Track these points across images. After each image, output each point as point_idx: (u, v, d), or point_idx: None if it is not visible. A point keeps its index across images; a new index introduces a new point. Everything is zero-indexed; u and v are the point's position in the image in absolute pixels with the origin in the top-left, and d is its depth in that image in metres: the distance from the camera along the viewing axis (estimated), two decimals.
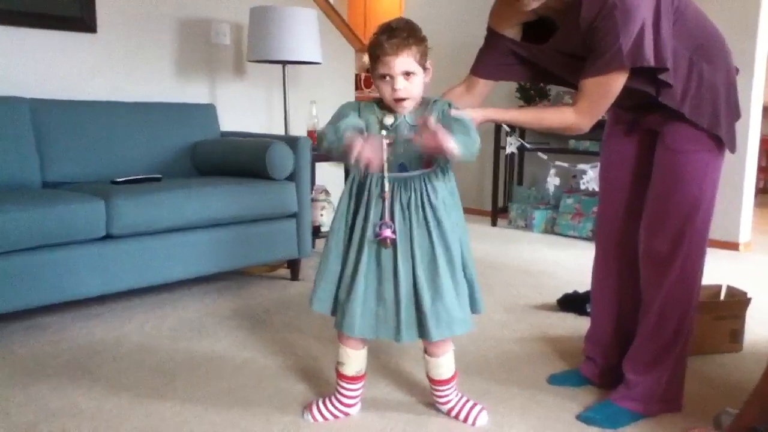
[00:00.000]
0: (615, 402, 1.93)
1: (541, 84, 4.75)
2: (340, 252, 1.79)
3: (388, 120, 1.73)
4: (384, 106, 1.74)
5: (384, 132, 1.72)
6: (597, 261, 2.12)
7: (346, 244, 1.78)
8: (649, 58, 1.64)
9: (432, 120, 1.59)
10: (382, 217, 1.71)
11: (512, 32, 1.88)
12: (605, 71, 1.67)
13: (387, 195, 1.70)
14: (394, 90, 1.66)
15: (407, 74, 1.66)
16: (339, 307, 1.79)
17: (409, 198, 1.71)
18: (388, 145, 1.70)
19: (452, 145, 1.56)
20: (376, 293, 1.74)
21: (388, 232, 1.69)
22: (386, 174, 1.70)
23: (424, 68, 1.70)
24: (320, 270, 1.82)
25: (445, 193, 1.75)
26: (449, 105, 1.74)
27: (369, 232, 1.72)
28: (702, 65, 1.75)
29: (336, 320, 1.80)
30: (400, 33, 1.64)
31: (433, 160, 1.72)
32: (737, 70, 1.87)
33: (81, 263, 2.55)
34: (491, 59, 1.94)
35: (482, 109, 1.80)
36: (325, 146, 1.71)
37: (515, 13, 1.82)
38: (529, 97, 4.89)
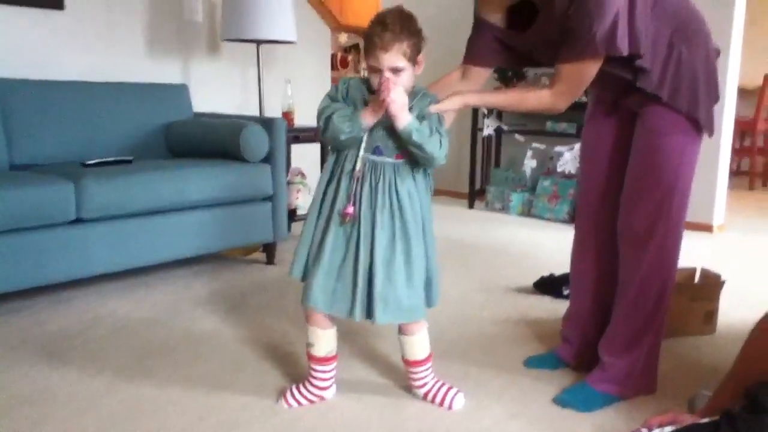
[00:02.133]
0: (590, 384, 1.94)
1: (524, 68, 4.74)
2: (312, 225, 1.83)
3: (373, 99, 1.73)
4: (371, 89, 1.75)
5: None
6: (576, 241, 2.12)
7: (317, 217, 1.82)
8: (622, 47, 1.64)
9: (396, 88, 1.65)
10: (349, 195, 1.74)
11: (497, 18, 1.87)
12: (579, 58, 1.68)
13: (358, 174, 1.75)
14: (379, 82, 1.68)
15: (395, 70, 1.67)
16: (306, 279, 1.81)
17: (378, 182, 1.75)
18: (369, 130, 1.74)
19: (401, 113, 1.65)
20: (338, 269, 1.77)
21: (350, 209, 1.74)
22: (362, 153, 1.75)
23: (415, 62, 1.71)
24: (299, 239, 1.86)
25: (411, 185, 1.78)
26: (431, 101, 1.76)
27: (337, 207, 1.76)
28: (681, 48, 1.74)
29: (302, 293, 1.81)
30: (393, 28, 1.65)
31: (405, 152, 1.74)
32: (718, 52, 1.87)
33: (51, 247, 2.50)
34: (481, 47, 1.93)
35: (461, 95, 1.80)
36: (343, 138, 1.73)
37: None
38: (507, 78, 4.87)
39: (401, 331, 1.87)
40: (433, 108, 1.74)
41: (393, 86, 1.65)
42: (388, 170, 1.75)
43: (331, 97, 1.81)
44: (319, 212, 1.81)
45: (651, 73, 1.73)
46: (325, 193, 1.81)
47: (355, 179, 1.75)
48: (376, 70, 1.69)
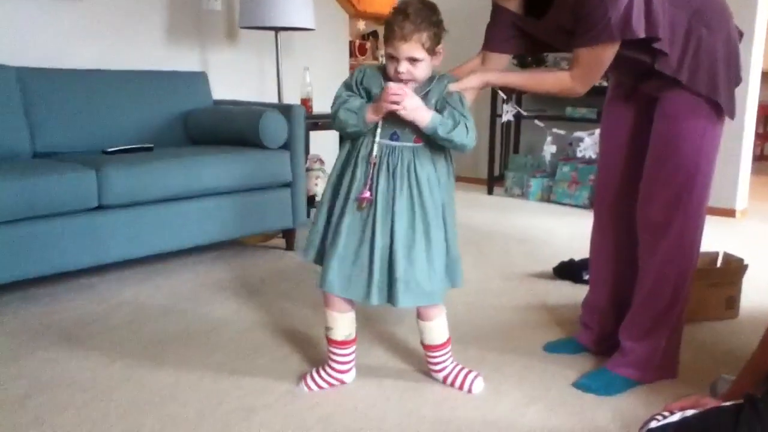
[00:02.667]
0: (611, 369, 1.93)
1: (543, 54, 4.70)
2: (326, 209, 1.84)
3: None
4: (388, 76, 1.75)
5: None
6: (595, 227, 2.10)
7: (332, 202, 1.82)
8: (638, 31, 1.62)
9: (407, 95, 1.64)
10: (366, 180, 1.74)
11: (514, 5, 1.86)
12: (595, 43, 1.66)
13: (374, 160, 1.74)
14: (397, 72, 1.68)
15: (413, 60, 1.67)
16: (323, 263, 1.82)
17: (396, 166, 1.74)
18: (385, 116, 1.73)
19: (418, 114, 1.65)
20: (354, 253, 1.76)
21: (366, 194, 1.74)
22: (377, 139, 1.75)
23: (434, 53, 1.70)
24: (313, 223, 1.87)
25: (431, 170, 1.77)
26: (449, 82, 1.74)
27: (353, 193, 1.76)
28: (701, 30, 1.71)
29: (319, 277, 1.82)
30: (414, 18, 1.64)
31: (423, 136, 1.74)
32: (741, 34, 1.83)
33: (73, 234, 2.53)
34: (499, 34, 1.93)
35: (482, 72, 1.79)
36: (350, 131, 1.77)
37: None
38: (526, 63, 4.83)
39: (420, 316, 1.87)
40: (453, 86, 1.73)
41: (401, 94, 1.63)
42: (406, 154, 1.74)
43: (347, 85, 1.81)
44: (335, 197, 1.81)
45: (669, 56, 1.70)
46: (341, 178, 1.81)
47: (371, 164, 1.74)
48: (394, 58, 1.68)
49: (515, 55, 2.00)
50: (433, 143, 1.75)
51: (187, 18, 3.79)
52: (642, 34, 1.63)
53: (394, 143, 1.75)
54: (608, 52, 1.68)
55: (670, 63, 1.72)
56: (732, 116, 1.80)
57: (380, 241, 1.73)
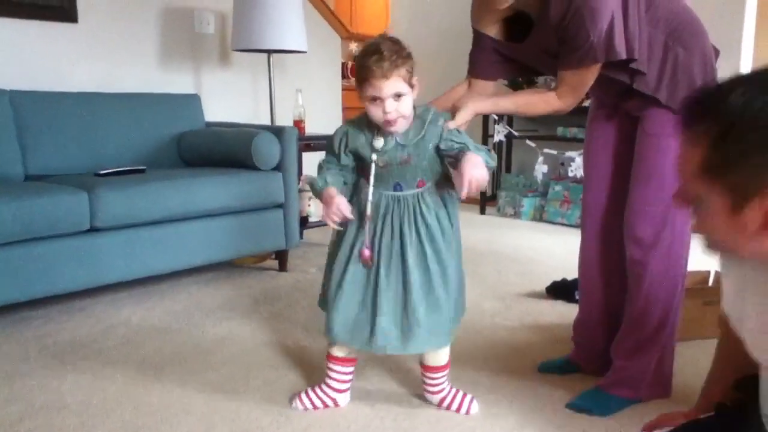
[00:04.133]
0: (604, 389, 1.93)
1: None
2: (332, 258, 1.86)
3: (378, 143, 1.73)
4: (374, 125, 1.73)
5: (375, 156, 1.73)
6: (583, 246, 2.11)
7: (339, 250, 1.83)
8: (621, 52, 1.66)
9: (468, 181, 1.60)
10: (366, 236, 1.76)
11: (493, 30, 1.88)
12: (579, 66, 1.70)
13: (369, 217, 1.76)
14: (385, 112, 1.65)
15: (397, 96, 1.65)
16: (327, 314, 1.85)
17: (402, 216, 1.76)
18: (381, 167, 1.73)
19: (485, 170, 1.64)
20: (359, 304, 1.79)
21: (366, 253, 1.76)
22: (370, 198, 1.76)
23: (412, 85, 1.69)
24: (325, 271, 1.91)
25: (438, 207, 1.79)
26: (445, 120, 1.75)
27: (356, 250, 1.78)
28: (677, 49, 1.75)
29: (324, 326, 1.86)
30: (389, 55, 1.62)
31: (425, 179, 1.77)
32: (717, 52, 1.86)
33: (66, 256, 2.53)
34: (482, 60, 1.94)
35: (472, 103, 1.78)
36: (315, 193, 1.79)
37: (492, 10, 1.82)
38: (517, 84, 4.86)
39: None
40: (451, 125, 1.73)
41: (475, 180, 1.60)
42: (411, 200, 1.76)
43: (329, 148, 1.81)
44: (340, 247, 1.82)
45: (648, 75, 1.74)
46: (347, 229, 1.81)
47: (366, 221, 1.76)
48: (377, 99, 1.64)
49: (502, 79, 2.03)
50: (439, 180, 1.77)
51: (181, 41, 3.82)
52: (624, 55, 1.67)
53: (398, 194, 1.76)
54: (592, 72, 1.71)
55: (648, 82, 1.75)
56: None
57: (391, 291, 1.75)
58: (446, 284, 1.78)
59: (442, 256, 1.77)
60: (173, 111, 3.51)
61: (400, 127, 1.69)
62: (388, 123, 1.66)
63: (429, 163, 1.76)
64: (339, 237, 1.83)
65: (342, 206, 1.68)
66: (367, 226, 1.76)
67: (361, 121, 1.76)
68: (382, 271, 1.75)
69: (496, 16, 1.85)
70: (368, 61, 1.62)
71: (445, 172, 1.79)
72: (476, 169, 1.61)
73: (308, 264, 3.50)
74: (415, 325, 1.74)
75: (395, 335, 1.76)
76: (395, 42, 1.67)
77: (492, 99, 1.86)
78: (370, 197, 1.76)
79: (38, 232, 2.44)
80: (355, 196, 1.81)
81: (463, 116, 1.76)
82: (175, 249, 2.87)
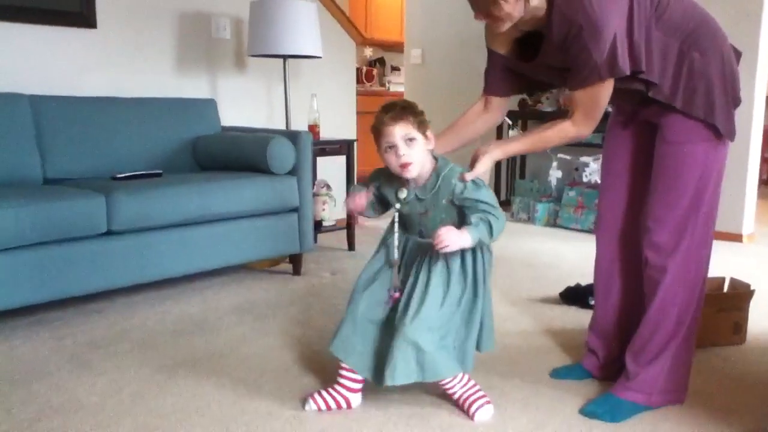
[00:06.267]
0: (616, 394, 1.92)
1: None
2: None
3: (402, 194, 1.86)
4: (401, 178, 1.84)
5: (398, 205, 1.88)
6: (599, 252, 2.11)
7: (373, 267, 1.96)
8: (625, 68, 1.67)
9: (440, 235, 1.70)
10: (393, 281, 1.89)
11: (505, 48, 1.90)
12: (585, 85, 1.71)
13: (396, 262, 1.89)
14: (398, 156, 1.75)
15: (409, 140, 1.75)
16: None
17: (422, 260, 1.86)
18: (405, 215, 1.89)
19: (461, 243, 1.71)
20: (369, 323, 1.90)
21: (396, 296, 1.88)
22: (396, 243, 1.90)
23: (426, 136, 1.78)
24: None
25: (467, 252, 1.83)
26: (459, 174, 1.80)
27: (375, 283, 1.91)
28: (693, 55, 1.74)
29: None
30: (397, 107, 1.76)
31: (447, 220, 1.82)
32: (739, 54, 1.85)
33: (82, 259, 2.56)
34: (496, 78, 1.97)
35: (488, 154, 1.81)
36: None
37: (499, 31, 1.83)
38: (532, 90, 4.86)
39: None
40: (468, 176, 1.77)
41: (440, 238, 1.69)
42: (432, 249, 1.79)
43: (363, 182, 1.96)
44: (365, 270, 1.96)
45: (662, 83, 1.74)
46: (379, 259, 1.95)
47: (395, 267, 1.89)
48: (392, 147, 1.75)
49: (517, 94, 2.05)
50: (461, 219, 1.81)
51: (197, 46, 3.85)
52: (628, 71, 1.67)
53: (422, 240, 1.87)
54: (604, 90, 1.71)
55: (663, 90, 1.75)
56: (731, 138, 1.81)
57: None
58: (472, 315, 1.86)
59: (477, 281, 1.85)
60: (189, 116, 3.54)
61: (414, 172, 1.78)
62: (403, 168, 1.76)
63: (447, 215, 1.83)
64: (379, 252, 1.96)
65: (357, 198, 1.88)
66: (395, 271, 1.89)
67: (392, 173, 1.85)
68: (399, 308, 1.85)
69: (507, 38, 1.86)
70: (380, 115, 1.77)
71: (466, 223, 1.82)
72: (450, 235, 1.70)
73: (322, 268, 3.51)
74: (392, 356, 1.79)
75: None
76: (406, 102, 1.81)
77: (506, 143, 1.90)
78: (396, 242, 1.89)
79: (56, 235, 2.47)
80: (388, 239, 1.94)
81: (481, 168, 1.79)
82: (191, 252, 2.89)
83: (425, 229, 1.86)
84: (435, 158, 1.84)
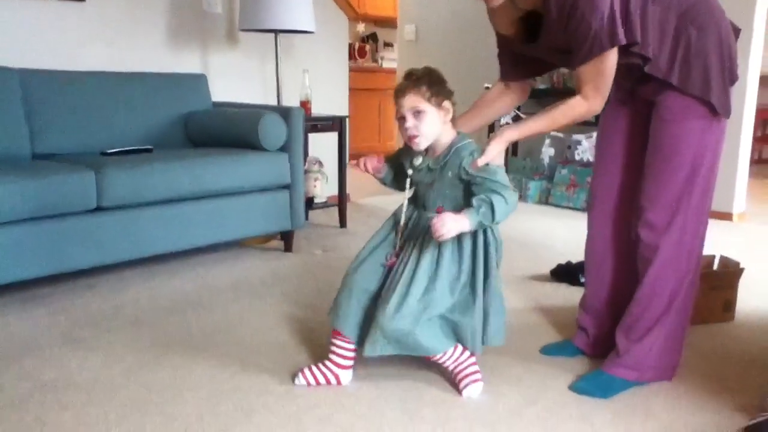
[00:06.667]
0: (607, 371, 1.94)
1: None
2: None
3: (417, 160, 1.85)
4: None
5: (410, 171, 1.87)
6: (591, 230, 2.11)
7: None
8: (622, 38, 1.66)
9: (435, 223, 1.67)
10: (395, 246, 1.90)
11: (511, 30, 1.88)
12: (590, 58, 1.69)
13: (401, 228, 1.90)
14: (405, 129, 1.76)
15: (416, 113, 1.74)
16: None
17: (423, 234, 1.83)
18: (414, 184, 1.89)
19: (458, 229, 1.68)
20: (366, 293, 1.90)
21: (393, 261, 1.89)
22: (404, 210, 1.90)
23: (441, 107, 1.76)
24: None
25: (464, 240, 1.81)
26: (472, 153, 1.77)
27: (378, 250, 1.93)
28: (690, 31, 1.73)
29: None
30: (412, 77, 1.75)
31: (445, 206, 1.83)
32: (738, 30, 1.84)
33: (72, 235, 2.54)
34: (507, 62, 1.98)
35: (500, 136, 1.79)
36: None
37: (500, 12, 1.82)
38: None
39: None
40: (480, 161, 1.75)
41: (436, 226, 1.65)
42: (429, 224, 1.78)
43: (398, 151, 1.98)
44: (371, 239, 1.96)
45: (659, 58, 1.73)
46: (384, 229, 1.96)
47: (399, 233, 1.90)
48: (403, 118, 1.76)
49: (531, 77, 2.03)
50: (467, 198, 1.78)
51: (188, 21, 3.81)
52: (624, 40, 1.66)
53: (423, 213, 1.87)
54: (608, 62, 1.69)
55: (660, 66, 1.74)
56: (727, 115, 1.80)
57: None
58: (474, 288, 1.84)
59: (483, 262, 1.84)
60: (180, 91, 3.51)
61: (422, 145, 1.78)
62: (409, 139, 1.76)
63: (451, 191, 1.81)
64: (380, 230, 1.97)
65: (369, 159, 1.92)
66: (398, 236, 1.89)
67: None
68: (386, 285, 1.86)
69: (509, 19, 1.85)
70: (398, 83, 1.77)
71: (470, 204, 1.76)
72: (446, 222, 1.65)
73: (313, 245, 3.51)
74: (379, 328, 1.80)
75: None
76: (429, 71, 1.78)
77: (520, 126, 1.85)
78: (404, 208, 1.89)
79: (45, 211, 2.45)
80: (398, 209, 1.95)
81: (493, 150, 1.76)
82: (181, 229, 2.88)
83: (427, 203, 1.86)
84: (457, 132, 1.82)
